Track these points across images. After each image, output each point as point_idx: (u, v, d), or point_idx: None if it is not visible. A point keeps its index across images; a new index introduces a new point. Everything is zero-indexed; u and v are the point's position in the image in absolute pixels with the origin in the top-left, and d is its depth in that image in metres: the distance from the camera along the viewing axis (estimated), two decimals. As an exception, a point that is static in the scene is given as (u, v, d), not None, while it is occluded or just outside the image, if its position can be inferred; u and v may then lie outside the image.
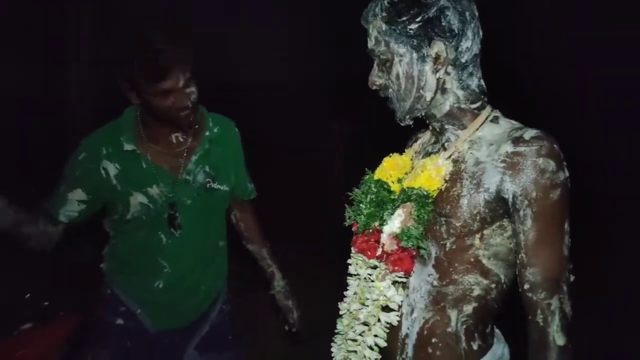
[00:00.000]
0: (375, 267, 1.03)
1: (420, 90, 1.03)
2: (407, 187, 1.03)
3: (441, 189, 1.02)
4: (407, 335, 1.06)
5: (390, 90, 1.06)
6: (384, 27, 1.01)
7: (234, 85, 4.82)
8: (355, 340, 1.05)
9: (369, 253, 1.03)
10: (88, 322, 1.80)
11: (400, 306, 1.05)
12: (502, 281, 1.02)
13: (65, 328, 1.86)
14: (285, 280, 1.80)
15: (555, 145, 0.95)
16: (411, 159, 1.15)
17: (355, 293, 1.06)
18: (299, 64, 5.99)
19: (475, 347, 1.03)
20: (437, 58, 1.01)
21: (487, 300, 1.02)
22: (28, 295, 1.89)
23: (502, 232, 0.99)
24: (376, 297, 1.01)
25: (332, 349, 1.11)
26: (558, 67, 5.25)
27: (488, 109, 1.07)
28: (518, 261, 0.98)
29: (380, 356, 1.05)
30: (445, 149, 1.07)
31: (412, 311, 1.06)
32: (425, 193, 0.99)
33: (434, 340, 1.03)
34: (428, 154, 1.12)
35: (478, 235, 0.98)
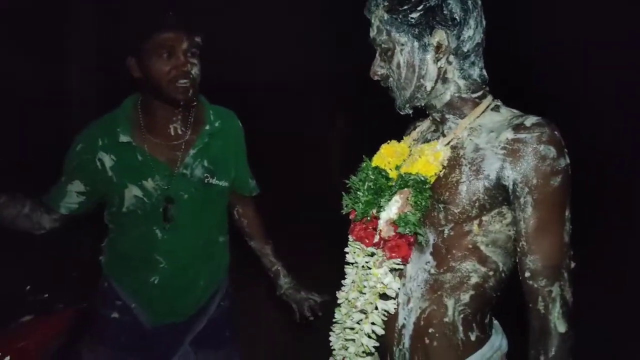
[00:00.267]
0: (372, 255, 1.02)
1: (421, 79, 1.02)
2: (405, 173, 1.01)
3: (439, 176, 1.01)
4: (403, 326, 1.05)
5: (391, 79, 1.05)
6: (385, 16, 1.01)
7: (234, 84, 4.83)
8: (353, 329, 1.03)
9: (367, 241, 1.02)
10: (87, 314, 1.80)
11: (397, 295, 1.04)
12: (500, 269, 1.01)
13: (65, 320, 1.86)
14: (289, 275, 1.75)
15: (556, 132, 0.94)
16: (409, 147, 1.14)
17: (353, 281, 1.05)
18: (301, 60, 5.98)
19: (473, 337, 1.02)
20: (438, 47, 1.00)
21: (485, 289, 1.01)
22: (28, 287, 1.89)
23: (501, 219, 0.98)
24: (373, 284, 1.00)
25: (331, 338, 1.10)
26: (561, 59, 5.23)
27: (489, 98, 1.06)
28: (518, 249, 0.97)
29: (377, 344, 1.04)
30: (444, 136, 1.07)
31: (408, 301, 1.04)
32: (422, 179, 0.98)
33: (430, 330, 1.02)
34: (427, 142, 1.11)
35: (476, 222, 0.97)
